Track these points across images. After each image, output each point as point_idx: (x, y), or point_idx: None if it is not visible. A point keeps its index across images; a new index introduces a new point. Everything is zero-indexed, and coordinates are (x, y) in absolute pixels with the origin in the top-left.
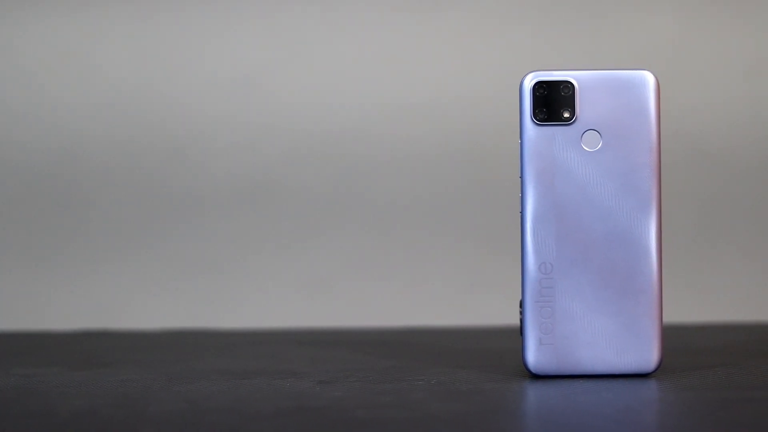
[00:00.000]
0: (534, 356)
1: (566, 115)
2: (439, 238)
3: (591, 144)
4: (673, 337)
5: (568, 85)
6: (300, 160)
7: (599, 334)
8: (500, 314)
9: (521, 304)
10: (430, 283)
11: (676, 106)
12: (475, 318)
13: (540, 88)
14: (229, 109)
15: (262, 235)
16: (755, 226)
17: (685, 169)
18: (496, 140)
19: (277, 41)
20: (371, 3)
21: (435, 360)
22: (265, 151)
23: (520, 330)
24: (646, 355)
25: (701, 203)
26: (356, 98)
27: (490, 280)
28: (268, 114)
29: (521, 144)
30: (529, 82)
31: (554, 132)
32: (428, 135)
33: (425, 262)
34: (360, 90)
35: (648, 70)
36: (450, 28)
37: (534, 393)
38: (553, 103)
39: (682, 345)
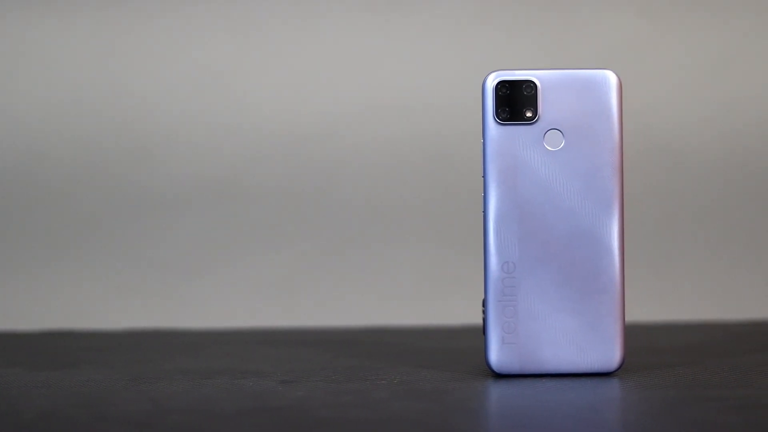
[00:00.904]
0: (497, 355)
1: (529, 114)
2: (402, 238)
3: (553, 143)
4: (635, 336)
5: (530, 85)
6: (264, 161)
7: (562, 333)
8: (463, 313)
9: (484, 304)
10: (393, 283)
11: (638, 106)
12: (437, 317)
13: (502, 87)
14: (195, 108)
15: (226, 234)
16: (718, 225)
17: (647, 168)
18: (459, 140)
19: (245, 41)
20: (338, 4)
21: (398, 359)
22: (230, 152)
23: (483, 329)
24: (609, 354)
25: (664, 202)
26: (322, 99)
27: (452, 279)
28: (233, 114)
29: (484, 143)
30: (491, 82)
31: (517, 131)
32: (392, 136)
33: (388, 261)
34: (326, 91)
35: (610, 70)
36: (414, 29)
37: (497, 392)
38: (515, 102)
39: (645, 344)
